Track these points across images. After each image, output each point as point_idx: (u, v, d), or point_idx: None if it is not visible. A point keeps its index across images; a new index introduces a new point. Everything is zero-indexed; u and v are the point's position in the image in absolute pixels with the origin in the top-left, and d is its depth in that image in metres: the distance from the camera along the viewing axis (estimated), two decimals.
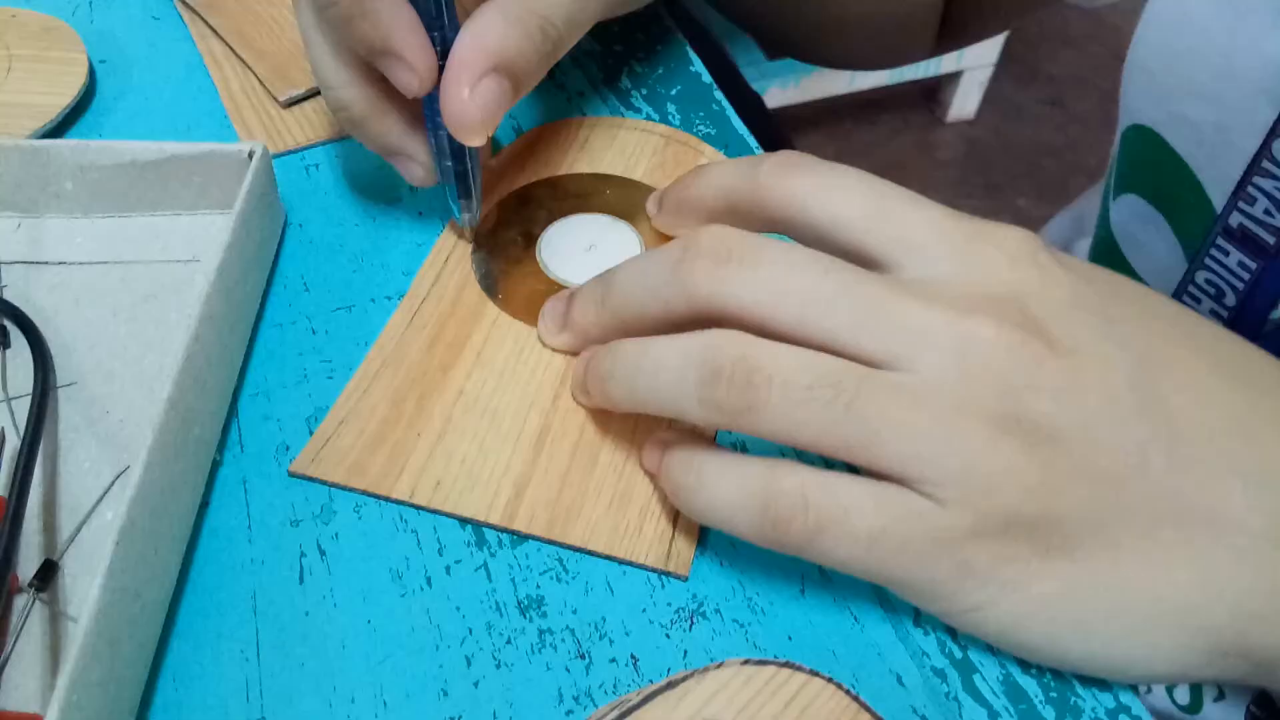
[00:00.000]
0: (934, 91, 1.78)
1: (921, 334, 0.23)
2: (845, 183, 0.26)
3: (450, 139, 0.32)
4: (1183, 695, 0.41)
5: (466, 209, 0.35)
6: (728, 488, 0.25)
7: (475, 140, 0.30)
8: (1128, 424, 0.23)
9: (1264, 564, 0.23)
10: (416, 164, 0.33)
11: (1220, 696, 0.39)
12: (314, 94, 0.41)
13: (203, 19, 0.45)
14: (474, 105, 0.29)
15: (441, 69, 0.30)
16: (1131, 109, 0.42)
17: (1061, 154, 1.71)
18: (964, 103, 1.75)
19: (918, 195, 0.26)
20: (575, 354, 0.32)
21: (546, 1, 0.30)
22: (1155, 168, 0.40)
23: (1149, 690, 0.42)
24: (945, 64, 1.65)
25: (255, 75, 0.42)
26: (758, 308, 0.24)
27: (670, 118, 0.41)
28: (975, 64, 1.67)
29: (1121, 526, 0.23)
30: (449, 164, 0.33)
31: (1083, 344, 0.24)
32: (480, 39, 0.29)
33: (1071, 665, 0.24)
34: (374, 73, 0.31)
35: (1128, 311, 0.25)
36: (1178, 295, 0.39)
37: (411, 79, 0.30)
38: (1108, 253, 0.46)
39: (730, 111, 0.41)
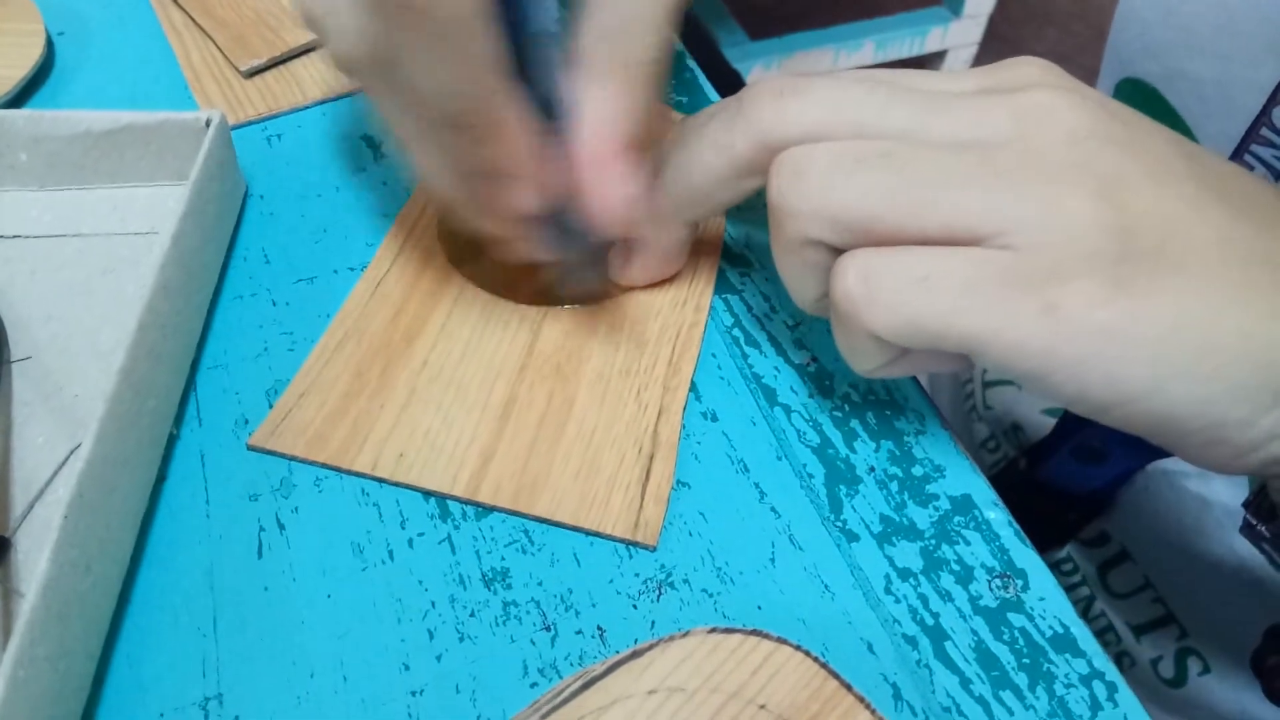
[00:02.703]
0: None
1: (981, 111, 0.24)
2: (845, 90, 0.26)
3: (570, 220, 0.29)
4: (1168, 669, 0.41)
5: (591, 279, 0.32)
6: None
7: (627, 226, 0.28)
8: (1184, 181, 0.24)
9: None
10: (536, 245, 0.30)
11: (1205, 671, 0.39)
12: (275, 64, 0.40)
13: None
14: (620, 199, 0.27)
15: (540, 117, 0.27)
16: (1125, 62, 0.41)
17: None
18: None
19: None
20: (647, 285, 0.33)
21: (634, 44, 0.27)
22: None
23: (1133, 664, 0.42)
24: (929, 43, 1.64)
25: (216, 45, 0.41)
26: (816, 125, 0.25)
27: None
28: (959, 43, 1.66)
29: (1198, 265, 0.23)
30: (574, 245, 0.30)
31: (1130, 119, 0.25)
32: (600, 125, 0.27)
33: (1174, 417, 0.23)
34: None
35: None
36: None
37: (532, 200, 0.28)
38: None
39: (702, 79, 0.41)
